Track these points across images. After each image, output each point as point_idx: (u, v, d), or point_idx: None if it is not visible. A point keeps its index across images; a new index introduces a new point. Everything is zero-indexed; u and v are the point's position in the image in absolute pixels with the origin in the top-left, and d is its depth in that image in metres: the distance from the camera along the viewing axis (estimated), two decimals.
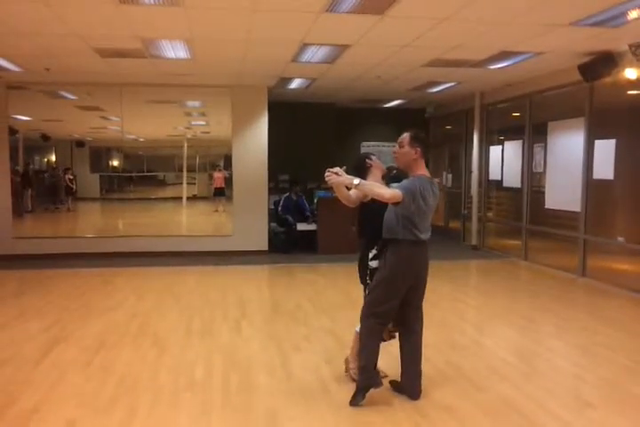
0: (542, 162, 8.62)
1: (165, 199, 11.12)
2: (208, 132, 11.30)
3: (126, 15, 5.29)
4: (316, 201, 9.88)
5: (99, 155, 11.08)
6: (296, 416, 3.36)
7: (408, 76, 8.51)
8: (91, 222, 11.03)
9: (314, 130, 11.29)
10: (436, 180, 3.93)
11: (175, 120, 10.62)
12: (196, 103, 10.48)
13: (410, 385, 3.62)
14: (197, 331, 5.16)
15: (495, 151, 10.10)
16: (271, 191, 10.15)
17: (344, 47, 6.58)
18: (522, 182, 9.21)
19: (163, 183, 11.29)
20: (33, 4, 4.93)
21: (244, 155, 9.63)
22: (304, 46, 6.54)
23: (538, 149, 8.77)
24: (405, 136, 3.52)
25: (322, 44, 6.49)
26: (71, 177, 10.53)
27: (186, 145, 10.51)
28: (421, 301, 3.65)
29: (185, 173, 10.69)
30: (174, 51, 6.78)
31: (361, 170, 3.75)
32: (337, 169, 3.37)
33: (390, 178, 3.84)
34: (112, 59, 7.22)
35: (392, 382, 3.73)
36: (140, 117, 9.96)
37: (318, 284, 7.40)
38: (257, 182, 9.62)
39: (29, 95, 9.26)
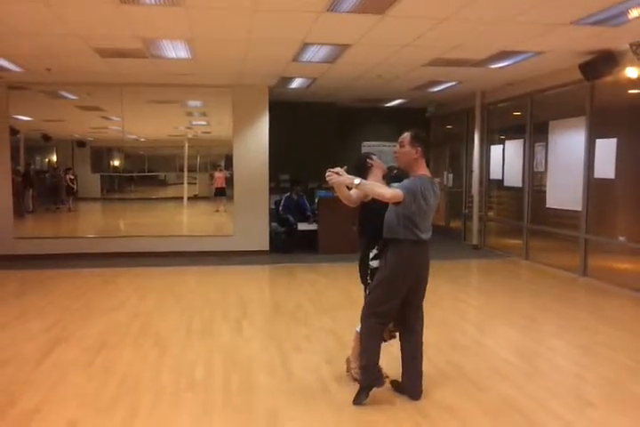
0: (543, 161, 8.61)
1: (166, 199, 11.12)
2: (209, 132, 11.31)
3: (127, 15, 5.29)
4: (316, 201, 9.88)
5: (100, 155, 11.10)
6: (296, 416, 3.37)
7: (409, 76, 8.51)
8: (92, 222, 11.04)
9: (315, 129, 11.28)
10: (437, 179, 3.93)
11: (176, 120, 10.63)
12: (197, 103, 10.48)
13: (411, 385, 3.62)
14: (198, 331, 5.16)
15: (496, 150, 10.09)
16: (272, 191, 10.14)
17: (345, 47, 6.58)
18: (523, 182, 9.20)
19: (164, 183, 11.30)
20: (33, 4, 4.93)
21: (245, 155, 9.63)
22: (305, 46, 6.53)
23: (539, 148, 8.76)
24: (406, 136, 3.52)
25: (323, 44, 6.49)
26: (72, 177, 10.54)
27: (187, 145, 10.52)
28: (422, 300, 3.65)
29: (186, 173, 10.70)
30: (175, 51, 6.78)
31: (362, 170, 3.74)
32: (338, 169, 3.38)
33: (391, 178, 3.84)
34: (113, 59, 7.22)
35: (393, 383, 3.73)
36: (141, 117, 9.97)
37: (319, 284, 7.40)
38: (258, 182, 9.62)
39: (30, 95, 9.26)
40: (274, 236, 9.83)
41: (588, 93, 7.46)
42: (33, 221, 10.64)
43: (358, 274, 3.81)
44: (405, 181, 3.46)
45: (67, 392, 3.71)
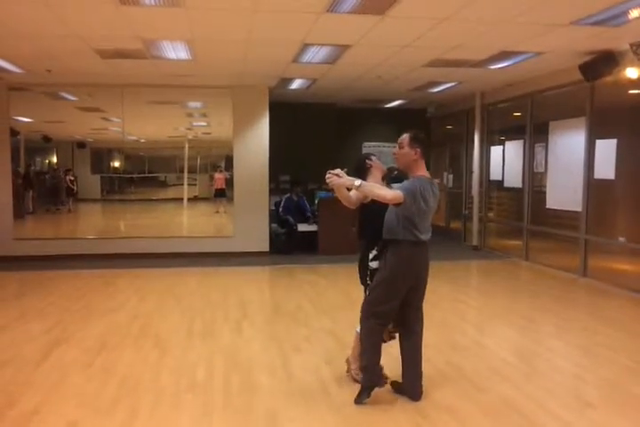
0: (543, 162, 8.61)
1: (166, 200, 11.13)
2: (209, 133, 11.32)
3: (127, 16, 5.30)
4: (316, 202, 9.89)
5: (100, 156, 11.11)
6: (296, 417, 3.36)
7: (409, 77, 8.51)
8: (92, 224, 11.05)
9: (315, 130, 11.29)
10: (436, 180, 3.93)
11: (176, 121, 10.64)
12: (197, 104, 10.49)
13: (410, 386, 3.62)
14: (198, 332, 5.16)
15: (496, 151, 10.09)
16: (272, 192, 10.15)
17: (345, 47, 6.58)
18: (523, 182, 9.20)
19: (164, 184, 11.31)
20: (33, 5, 4.94)
21: (245, 156, 9.63)
22: (305, 47, 6.54)
23: (539, 148, 8.76)
24: (405, 137, 3.52)
25: (323, 45, 6.49)
26: (72, 178, 10.55)
27: (187, 146, 10.53)
28: (422, 301, 3.65)
29: (186, 174, 10.72)
30: (175, 51, 6.79)
31: (361, 170, 3.75)
32: (338, 171, 3.38)
33: (391, 179, 3.84)
34: (113, 60, 7.23)
35: (393, 384, 3.73)
36: (141, 118, 9.98)
37: (319, 285, 7.40)
38: (258, 183, 9.62)
39: (31, 97, 9.27)
40: (274, 237, 9.83)
41: (588, 94, 7.46)
42: (33, 223, 10.64)
43: (358, 275, 3.81)
44: (405, 183, 3.47)
45: (66, 393, 3.71)
